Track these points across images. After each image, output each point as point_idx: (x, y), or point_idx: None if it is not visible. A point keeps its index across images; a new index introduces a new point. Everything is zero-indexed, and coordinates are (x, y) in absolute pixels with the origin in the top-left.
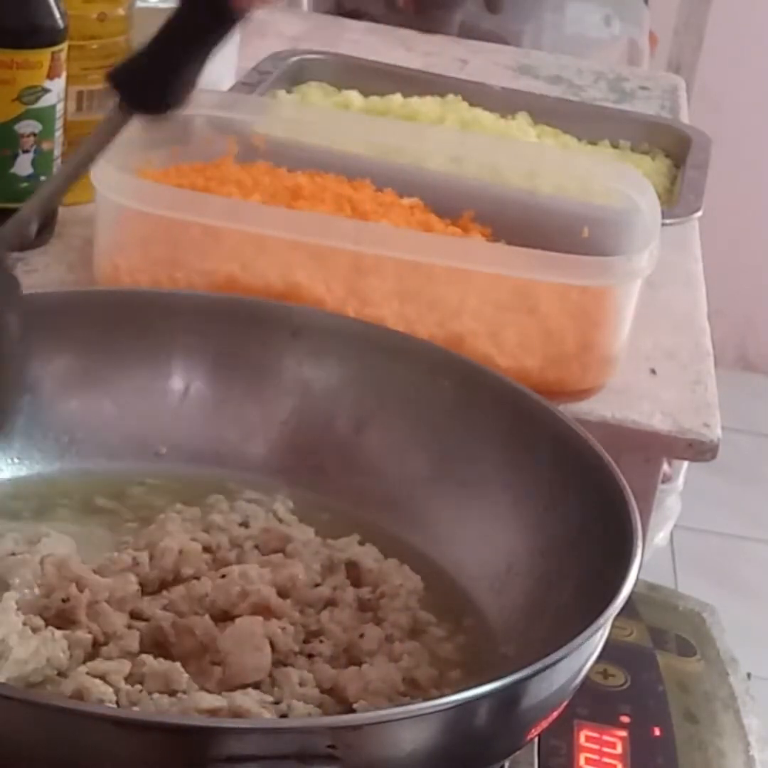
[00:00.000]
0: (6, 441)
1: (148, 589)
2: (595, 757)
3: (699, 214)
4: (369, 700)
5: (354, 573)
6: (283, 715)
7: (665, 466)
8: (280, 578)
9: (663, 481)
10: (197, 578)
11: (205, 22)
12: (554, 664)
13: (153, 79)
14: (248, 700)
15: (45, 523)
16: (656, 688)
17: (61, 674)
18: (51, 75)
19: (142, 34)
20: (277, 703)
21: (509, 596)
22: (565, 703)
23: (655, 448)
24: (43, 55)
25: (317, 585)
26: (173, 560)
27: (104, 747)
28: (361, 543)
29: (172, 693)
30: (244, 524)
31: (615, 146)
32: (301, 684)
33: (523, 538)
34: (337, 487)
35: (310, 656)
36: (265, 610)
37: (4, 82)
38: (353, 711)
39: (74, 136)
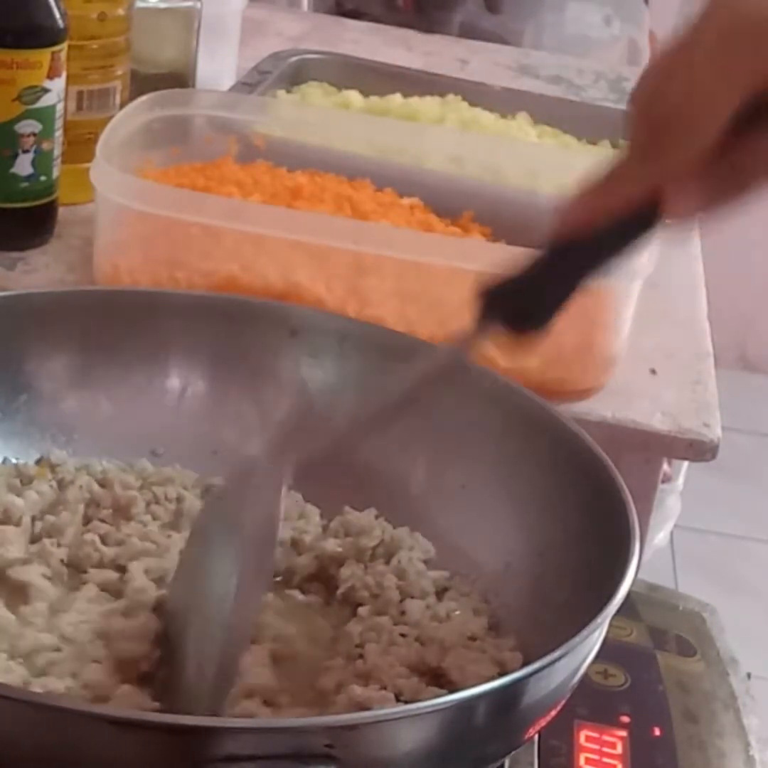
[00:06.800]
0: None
1: None
2: (595, 757)
3: None
4: (451, 656)
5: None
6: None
7: (665, 466)
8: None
9: (663, 481)
10: None
11: (618, 241)
12: (552, 663)
13: (538, 300)
14: (367, 690)
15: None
16: (656, 688)
17: None
18: (51, 75)
19: (142, 34)
20: (384, 688)
21: (507, 596)
22: (563, 702)
23: (655, 448)
24: (43, 55)
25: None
26: None
27: (101, 746)
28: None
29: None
30: None
31: (615, 146)
32: (390, 666)
33: (521, 538)
34: (334, 488)
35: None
36: None
37: (4, 82)
38: (444, 674)
39: (74, 136)
